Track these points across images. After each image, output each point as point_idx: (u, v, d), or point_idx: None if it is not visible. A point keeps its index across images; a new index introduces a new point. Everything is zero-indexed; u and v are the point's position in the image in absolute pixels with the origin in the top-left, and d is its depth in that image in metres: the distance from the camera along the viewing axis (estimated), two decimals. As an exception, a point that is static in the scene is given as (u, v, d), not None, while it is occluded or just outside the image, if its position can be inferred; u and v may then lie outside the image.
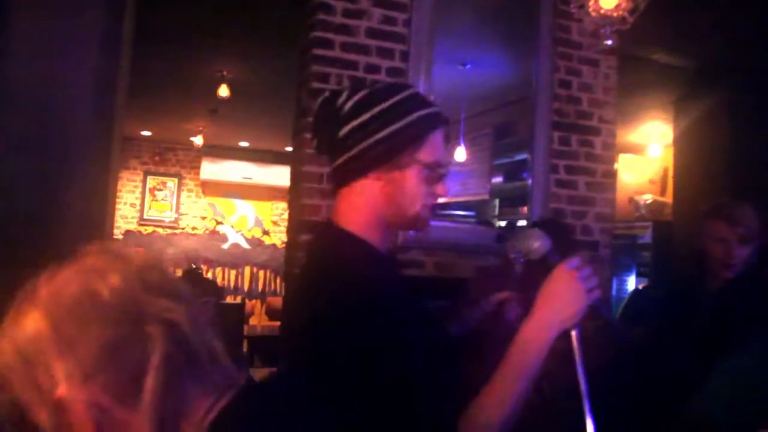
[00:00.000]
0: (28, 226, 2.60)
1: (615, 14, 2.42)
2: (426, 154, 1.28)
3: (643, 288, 5.38)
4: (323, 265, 1.29)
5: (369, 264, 1.27)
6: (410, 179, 1.28)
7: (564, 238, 2.92)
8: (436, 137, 1.30)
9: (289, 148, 10.43)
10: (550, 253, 1.29)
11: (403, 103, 1.28)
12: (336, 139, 1.28)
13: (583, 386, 1.20)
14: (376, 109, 1.26)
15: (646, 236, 6.54)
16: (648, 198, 7.13)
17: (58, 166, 2.65)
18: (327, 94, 1.33)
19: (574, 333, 1.22)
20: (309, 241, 1.47)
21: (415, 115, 1.27)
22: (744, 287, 2.35)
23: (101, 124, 2.92)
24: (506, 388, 1.17)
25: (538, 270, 1.28)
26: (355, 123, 1.26)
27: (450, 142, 1.22)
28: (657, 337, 2.46)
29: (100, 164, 2.96)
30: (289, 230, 3.43)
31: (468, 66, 5.05)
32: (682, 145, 5.71)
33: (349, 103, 1.27)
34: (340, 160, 1.30)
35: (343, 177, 1.31)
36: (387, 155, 1.26)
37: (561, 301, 1.22)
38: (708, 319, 2.34)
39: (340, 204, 1.34)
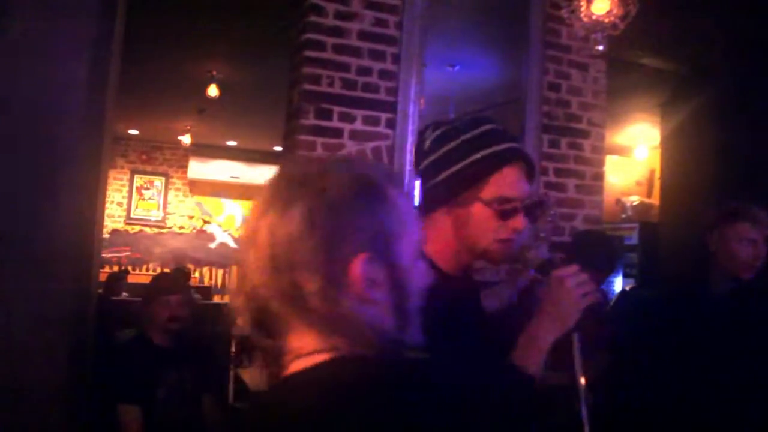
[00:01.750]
0: (19, 225, 2.59)
1: (606, 20, 2.45)
2: (489, 191, 1.29)
3: (630, 289, 5.41)
4: None
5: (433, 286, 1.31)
6: (474, 216, 1.30)
7: (603, 248, 2.98)
8: (505, 174, 1.30)
9: (278, 148, 10.34)
10: (547, 262, 1.32)
11: (471, 142, 1.31)
12: (419, 171, 1.38)
13: (580, 391, 1.23)
14: (444, 149, 1.32)
15: (633, 238, 6.58)
16: (635, 199, 7.19)
17: (50, 166, 2.64)
18: (421, 127, 1.45)
19: (575, 336, 1.25)
20: None
21: (479, 154, 1.29)
22: (758, 289, 2.37)
23: (92, 124, 2.91)
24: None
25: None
26: (428, 160, 1.34)
27: (533, 178, 1.25)
28: (663, 343, 2.46)
29: (92, 164, 2.95)
30: (280, 231, 3.44)
31: (456, 67, 5.08)
32: (669, 147, 5.75)
33: (429, 140, 1.35)
34: (422, 190, 1.37)
35: (422, 208, 1.37)
36: (447, 194, 1.31)
37: (555, 307, 1.25)
38: (720, 324, 2.35)
39: (424, 228, 1.39)
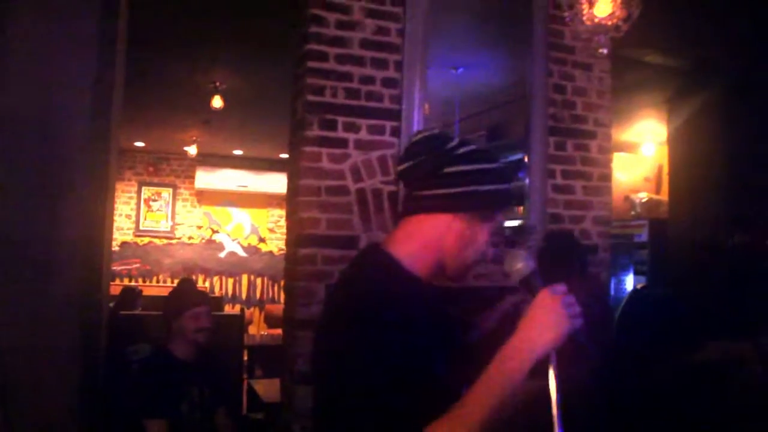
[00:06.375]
0: (26, 240, 2.59)
1: (609, 23, 2.43)
2: (498, 219, 1.43)
3: (641, 288, 5.35)
4: (347, 277, 1.41)
5: (390, 281, 1.33)
6: (484, 232, 1.40)
7: (572, 249, 2.99)
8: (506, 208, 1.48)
9: (284, 155, 10.35)
10: (533, 275, 1.28)
11: (504, 170, 1.43)
12: (438, 173, 1.37)
13: (554, 408, 1.19)
14: (490, 166, 1.39)
15: (643, 235, 6.54)
16: (643, 196, 7.15)
17: (56, 180, 2.64)
18: (435, 131, 1.43)
19: (551, 355, 1.20)
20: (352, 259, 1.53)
21: (508, 185, 1.43)
22: None
23: (98, 136, 2.91)
24: (478, 404, 1.16)
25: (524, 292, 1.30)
26: (467, 167, 1.37)
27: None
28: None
29: (98, 174, 2.94)
30: (288, 244, 3.43)
31: (460, 70, 5.06)
32: (676, 143, 5.73)
33: (463, 149, 1.38)
34: (432, 192, 1.37)
35: (424, 206, 1.39)
36: (486, 205, 1.39)
37: (541, 326, 1.20)
38: None
39: (398, 230, 1.44)
